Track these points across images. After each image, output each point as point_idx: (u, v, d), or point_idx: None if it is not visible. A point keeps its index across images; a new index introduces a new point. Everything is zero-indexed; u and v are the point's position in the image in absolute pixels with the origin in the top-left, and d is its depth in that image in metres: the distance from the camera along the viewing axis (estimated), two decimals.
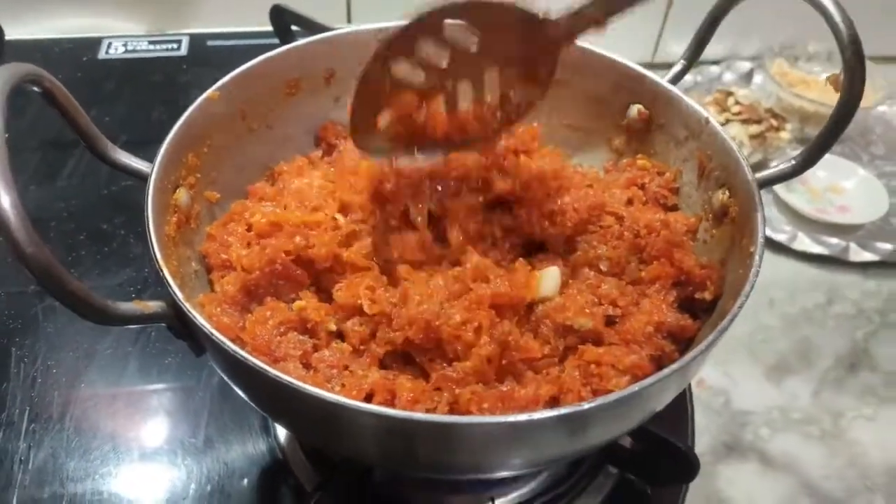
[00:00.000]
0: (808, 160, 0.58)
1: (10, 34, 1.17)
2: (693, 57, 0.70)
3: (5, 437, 0.70)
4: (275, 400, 0.50)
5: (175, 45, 1.22)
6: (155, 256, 0.51)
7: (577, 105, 0.75)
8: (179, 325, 0.50)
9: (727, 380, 0.90)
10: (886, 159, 1.20)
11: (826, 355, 0.94)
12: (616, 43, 0.73)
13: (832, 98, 1.26)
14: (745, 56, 1.38)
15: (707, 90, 1.28)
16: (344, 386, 0.52)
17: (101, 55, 1.20)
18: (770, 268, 1.04)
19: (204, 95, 0.65)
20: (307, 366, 0.55)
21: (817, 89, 1.25)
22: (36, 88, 0.51)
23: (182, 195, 0.61)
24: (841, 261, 1.04)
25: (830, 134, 0.56)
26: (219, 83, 0.66)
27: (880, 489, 0.80)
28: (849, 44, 0.52)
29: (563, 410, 0.42)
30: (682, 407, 0.74)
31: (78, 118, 0.57)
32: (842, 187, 1.14)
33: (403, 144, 0.61)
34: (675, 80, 0.70)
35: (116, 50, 1.21)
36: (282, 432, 0.71)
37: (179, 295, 0.49)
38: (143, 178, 0.57)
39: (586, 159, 0.77)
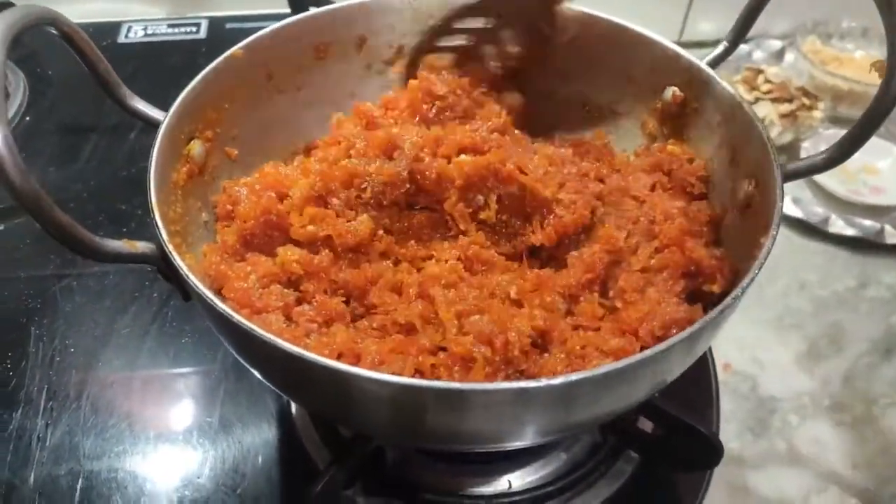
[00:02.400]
0: (841, 153, 0.54)
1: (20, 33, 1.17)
2: (737, 38, 0.67)
3: (24, 414, 0.71)
4: (249, 352, 0.50)
5: (194, 29, 1.22)
6: (150, 197, 0.52)
7: (612, 84, 0.73)
8: (167, 268, 0.50)
9: (755, 365, 0.88)
10: None
11: (859, 340, 0.91)
12: (642, 20, 0.71)
13: (867, 76, 1.22)
14: (775, 34, 1.34)
15: (736, 69, 1.24)
16: (308, 345, 0.52)
17: (121, 39, 1.20)
18: (802, 251, 1.01)
19: (228, 52, 0.65)
20: (289, 318, 0.56)
21: (851, 67, 1.21)
22: (53, 30, 0.52)
23: (196, 147, 0.62)
24: (875, 243, 1.00)
25: (867, 126, 0.52)
26: (244, 42, 0.66)
27: None
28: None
29: (571, 377, 0.41)
30: (706, 391, 0.72)
31: (97, 63, 0.57)
32: (876, 168, 1.10)
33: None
34: (715, 62, 0.66)
35: (136, 34, 1.21)
36: (296, 411, 0.70)
37: (165, 237, 0.50)
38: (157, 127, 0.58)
39: (619, 142, 0.75)
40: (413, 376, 0.50)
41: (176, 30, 1.22)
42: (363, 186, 0.61)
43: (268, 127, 0.70)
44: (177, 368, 0.76)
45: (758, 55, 1.31)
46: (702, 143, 0.66)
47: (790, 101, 1.13)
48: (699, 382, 0.72)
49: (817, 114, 1.13)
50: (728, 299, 0.46)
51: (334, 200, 0.61)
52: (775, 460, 0.79)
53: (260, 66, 0.68)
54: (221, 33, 1.21)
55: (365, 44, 0.74)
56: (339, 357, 0.52)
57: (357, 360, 0.51)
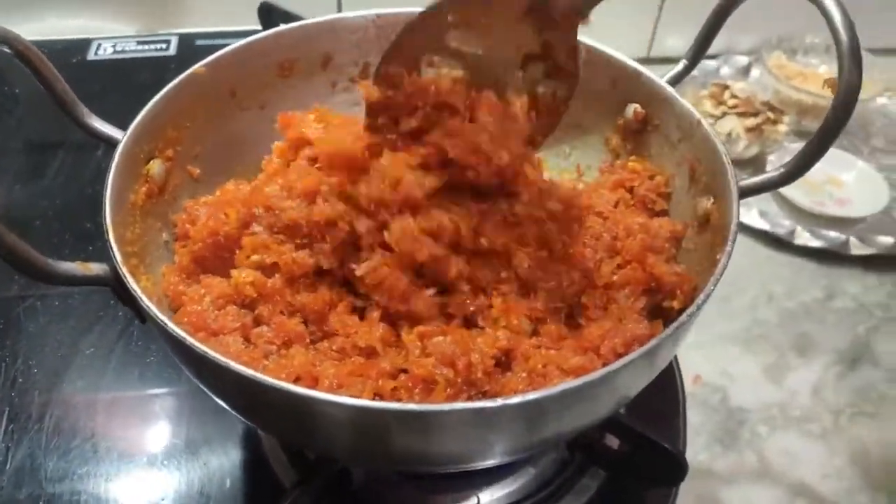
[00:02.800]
0: (798, 168, 0.55)
1: None
2: (696, 57, 0.67)
3: None
4: (204, 376, 0.50)
5: (164, 46, 1.22)
6: (104, 218, 0.52)
7: (575, 101, 0.73)
8: (122, 291, 0.50)
9: (724, 377, 0.88)
10: (886, 152, 1.18)
11: (826, 351, 0.92)
12: (611, 37, 0.72)
13: (830, 91, 1.24)
14: (742, 50, 1.37)
15: (703, 84, 1.26)
16: (266, 367, 0.52)
17: (91, 56, 1.19)
18: (768, 263, 1.02)
19: (190, 70, 0.65)
20: (247, 340, 0.55)
21: (815, 82, 1.23)
22: (7, 49, 0.52)
23: (155, 166, 0.61)
24: (841, 255, 1.02)
25: (823, 141, 0.53)
26: (207, 59, 0.66)
27: (882, 488, 0.78)
28: (847, 51, 0.49)
29: (527, 396, 0.41)
30: (673, 404, 0.72)
31: (54, 82, 0.57)
32: (841, 180, 1.12)
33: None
34: (675, 80, 0.67)
35: (105, 51, 1.20)
36: (263, 433, 0.69)
37: (119, 258, 0.49)
38: (115, 146, 0.57)
39: (583, 158, 0.76)
40: (373, 399, 0.49)
41: (146, 47, 1.21)
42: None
43: (231, 144, 0.70)
44: (142, 389, 0.75)
45: (725, 71, 1.33)
46: (663, 159, 0.67)
47: (756, 115, 1.15)
48: (666, 395, 0.72)
49: (782, 128, 1.15)
50: (684, 316, 0.47)
51: (256, 227, 0.59)
52: (745, 472, 0.80)
53: (223, 84, 0.68)
54: (192, 50, 1.20)
55: (330, 62, 0.74)
56: (297, 380, 0.51)
57: (315, 383, 0.51)
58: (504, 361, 0.53)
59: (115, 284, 0.50)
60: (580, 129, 0.74)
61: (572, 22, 0.56)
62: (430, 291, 0.55)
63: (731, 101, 1.16)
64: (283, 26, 0.72)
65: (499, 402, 0.40)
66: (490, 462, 0.53)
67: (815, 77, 1.25)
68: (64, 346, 0.77)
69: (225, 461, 0.68)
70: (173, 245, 0.63)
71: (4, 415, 0.71)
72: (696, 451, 0.80)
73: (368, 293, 0.56)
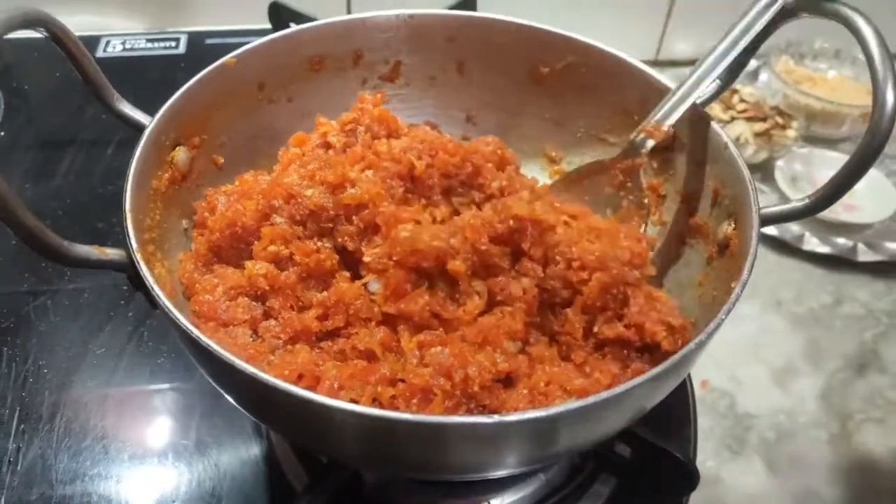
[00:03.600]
0: (823, 200, 0.54)
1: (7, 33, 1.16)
2: (730, 78, 0.66)
3: None
4: (208, 368, 0.50)
5: (173, 44, 1.22)
6: (124, 202, 0.52)
7: (604, 114, 0.73)
8: (136, 276, 0.50)
9: (732, 382, 0.88)
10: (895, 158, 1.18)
11: (834, 357, 0.92)
12: (619, 39, 0.72)
13: (839, 95, 1.24)
14: (758, 54, 1.36)
15: None
16: (270, 363, 0.52)
17: (100, 53, 1.19)
18: (777, 268, 1.02)
19: (220, 61, 0.65)
20: (255, 332, 0.56)
21: (824, 87, 1.23)
22: (43, 32, 0.52)
23: (180, 153, 0.62)
24: (849, 261, 1.02)
25: (851, 174, 0.52)
26: (238, 51, 0.67)
27: (889, 495, 0.78)
28: (882, 84, 0.48)
29: (549, 411, 0.41)
30: (684, 412, 0.72)
31: (86, 65, 0.58)
32: None
33: None
34: (707, 102, 0.66)
35: (115, 48, 1.20)
36: (274, 433, 0.69)
37: (134, 244, 0.50)
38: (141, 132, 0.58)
39: None
40: (372, 405, 0.50)
41: (155, 44, 1.21)
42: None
43: (257, 136, 0.70)
44: (152, 388, 0.75)
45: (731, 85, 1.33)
46: (688, 178, 0.67)
47: (764, 120, 1.15)
48: (677, 402, 0.72)
49: (791, 133, 1.15)
50: (692, 344, 0.46)
51: (276, 218, 0.60)
52: (753, 477, 0.80)
53: (252, 76, 0.69)
54: (201, 48, 1.20)
55: (361, 59, 0.74)
56: (299, 378, 0.51)
57: (317, 383, 0.51)
58: (505, 379, 0.53)
59: (130, 270, 0.50)
60: (605, 144, 0.74)
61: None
62: (425, 292, 0.56)
63: (741, 106, 1.16)
64: (314, 22, 0.72)
65: (513, 416, 0.41)
66: (501, 473, 0.53)
67: (824, 82, 1.25)
68: (75, 346, 0.77)
69: (235, 461, 0.68)
70: (192, 232, 0.63)
71: (15, 414, 0.71)
72: (705, 456, 0.80)
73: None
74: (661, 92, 0.67)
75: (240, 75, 0.67)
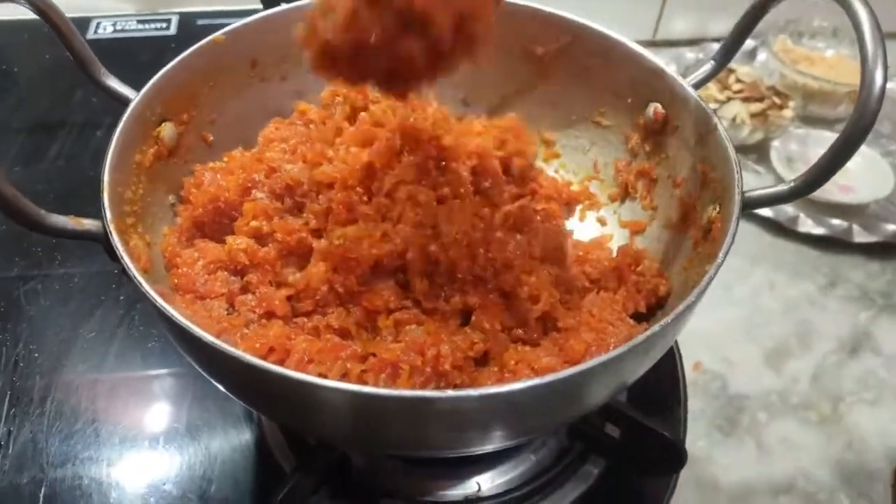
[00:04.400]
0: (806, 185, 0.53)
1: None
2: (724, 59, 0.65)
3: None
4: (176, 339, 0.50)
5: (164, 25, 1.20)
6: (102, 174, 0.53)
7: (596, 96, 0.73)
8: (111, 247, 0.50)
9: (724, 364, 0.88)
10: (892, 138, 1.17)
11: (827, 338, 0.92)
12: (616, 19, 0.71)
13: (837, 75, 1.22)
14: (753, 33, 1.34)
15: None
16: (243, 336, 0.53)
17: (90, 35, 1.18)
18: (772, 249, 1.02)
19: (210, 37, 0.65)
20: (231, 306, 0.56)
21: (822, 66, 1.22)
22: (25, 4, 0.54)
23: (167, 129, 0.62)
24: (844, 242, 1.01)
25: (838, 156, 0.50)
26: (228, 27, 0.66)
27: (879, 475, 0.78)
28: (871, 65, 0.47)
29: (535, 381, 0.41)
30: (674, 393, 0.72)
31: (72, 39, 0.59)
32: (845, 167, 1.10)
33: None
34: (701, 83, 0.65)
35: (105, 30, 1.19)
36: (264, 417, 0.69)
37: (109, 215, 0.50)
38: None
39: (602, 155, 0.76)
40: (340, 381, 0.49)
41: (146, 26, 1.20)
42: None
43: (249, 115, 0.70)
44: (143, 373, 0.75)
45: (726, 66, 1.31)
46: (679, 162, 0.66)
47: (761, 100, 1.14)
48: (667, 383, 0.72)
49: (787, 113, 1.14)
50: (656, 326, 0.45)
51: (257, 193, 0.60)
52: (744, 459, 0.80)
53: (243, 53, 0.68)
54: (192, 29, 1.19)
55: None
56: (269, 351, 0.52)
57: (286, 356, 0.51)
58: (480, 359, 0.54)
59: (105, 242, 0.51)
60: (600, 126, 0.74)
61: None
62: (390, 283, 0.56)
63: (736, 86, 1.15)
64: (295, 2, 0.71)
65: (505, 388, 0.41)
66: (486, 448, 0.53)
67: (822, 61, 1.24)
68: (65, 330, 0.77)
69: (226, 445, 0.68)
70: (178, 207, 0.63)
71: (6, 399, 0.71)
72: (696, 436, 0.80)
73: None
74: (654, 73, 0.66)
75: (231, 52, 0.67)
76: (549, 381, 0.41)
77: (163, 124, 0.62)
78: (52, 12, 0.56)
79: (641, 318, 0.61)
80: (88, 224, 0.51)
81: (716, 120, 0.60)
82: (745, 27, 0.63)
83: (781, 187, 0.54)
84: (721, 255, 0.49)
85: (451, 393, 0.41)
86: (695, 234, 0.61)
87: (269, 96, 0.72)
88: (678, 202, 0.65)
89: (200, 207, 0.61)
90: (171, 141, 0.63)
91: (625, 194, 0.73)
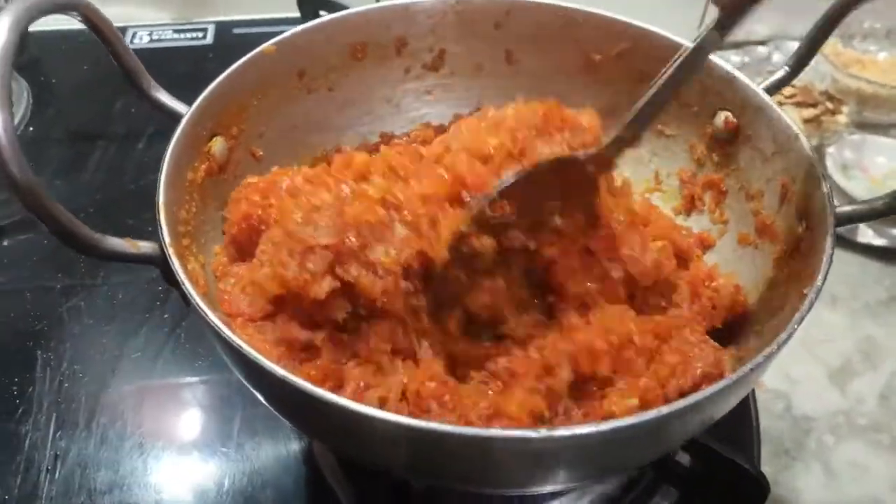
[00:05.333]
0: None
1: (33, 26, 1.14)
2: (799, 64, 0.63)
3: (31, 444, 0.68)
4: (239, 367, 0.48)
5: (201, 34, 1.19)
6: (158, 194, 0.50)
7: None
8: (168, 272, 0.48)
9: (787, 382, 0.84)
10: None
11: (893, 355, 0.87)
12: (658, 19, 0.68)
13: (891, 78, 1.18)
14: (794, 35, 1.31)
15: (756, 72, 1.21)
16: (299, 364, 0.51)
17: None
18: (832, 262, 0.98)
19: (259, 48, 0.63)
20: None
21: (875, 69, 1.17)
22: (76, 17, 0.51)
23: (218, 144, 0.60)
24: None
25: None
26: (277, 38, 0.65)
27: None
28: None
29: (607, 424, 0.38)
30: (746, 421, 0.68)
31: (121, 51, 0.57)
32: None
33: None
34: (774, 89, 0.62)
35: (141, 39, 1.18)
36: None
37: (167, 239, 0.48)
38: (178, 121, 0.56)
39: (664, 165, 0.73)
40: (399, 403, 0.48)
41: (182, 35, 1.19)
42: None
43: (296, 127, 0.69)
44: (190, 393, 0.73)
45: (776, 57, 1.28)
46: (752, 173, 0.63)
47: (814, 105, 1.10)
48: (736, 410, 0.69)
49: (842, 118, 1.10)
50: (760, 357, 0.43)
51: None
52: (813, 483, 0.76)
53: (291, 64, 0.67)
54: (229, 38, 1.18)
55: (405, 46, 0.71)
56: (324, 380, 0.50)
57: (340, 384, 0.50)
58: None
59: (162, 265, 0.49)
60: (663, 136, 0.71)
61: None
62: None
63: (788, 91, 1.11)
64: (356, 8, 0.69)
65: (562, 431, 0.38)
66: (550, 488, 0.50)
67: (874, 64, 1.19)
68: (110, 349, 0.76)
69: (277, 468, 0.66)
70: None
71: (52, 421, 0.69)
72: (763, 461, 0.77)
73: None
74: (723, 79, 0.63)
75: (279, 63, 0.65)
76: (632, 423, 0.39)
77: (214, 139, 0.60)
78: (101, 23, 0.55)
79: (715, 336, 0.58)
80: (144, 247, 0.49)
81: (797, 129, 0.57)
82: (824, 30, 0.60)
83: (874, 203, 0.52)
84: (820, 277, 0.47)
85: (512, 432, 0.39)
86: (778, 250, 0.58)
87: (317, 108, 0.70)
88: (753, 216, 0.62)
89: (235, 225, 0.59)
90: (222, 156, 0.61)
91: (690, 207, 0.70)
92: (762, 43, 1.29)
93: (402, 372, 0.50)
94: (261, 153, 0.66)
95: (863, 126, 1.14)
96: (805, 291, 0.47)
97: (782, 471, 0.77)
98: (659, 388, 0.51)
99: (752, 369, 0.42)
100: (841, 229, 0.95)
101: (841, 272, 0.97)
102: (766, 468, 0.76)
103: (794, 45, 1.25)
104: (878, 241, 0.98)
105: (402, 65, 0.72)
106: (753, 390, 0.71)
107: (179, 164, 0.55)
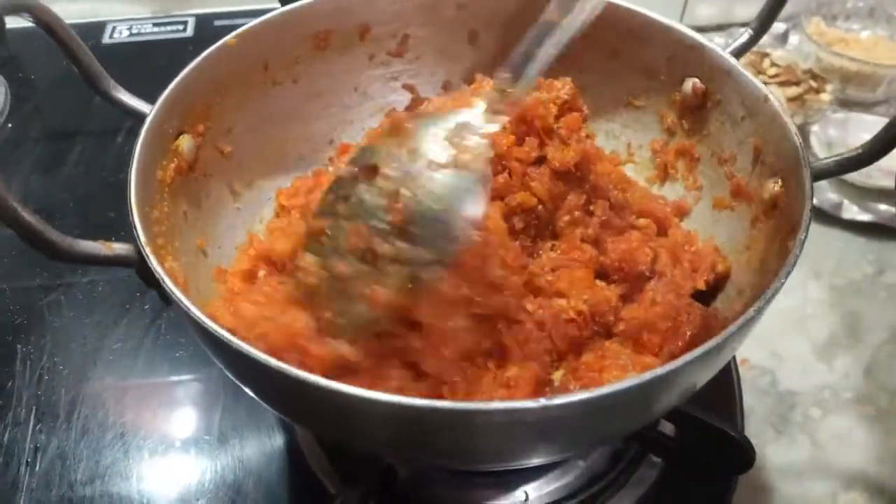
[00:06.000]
0: (874, 151, 0.50)
1: (11, 22, 1.13)
2: (763, 26, 0.64)
3: (11, 437, 0.67)
4: (228, 363, 0.47)
5: (181, 27, 1.18)
6: (129, 195, 0.49)
7: (628, 77, 0.70)
8: (145, 271, 0.47)
9: (773, 358, 0.84)
10: None
11: (878, 329, 0.87)
12: (641, 3, 0.68)
13: (874, 56, 1.18)
14: (779, 16, 1.30)
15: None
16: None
17: (106, 39, 1.16)
18: (815, 238, 0.97)
19: (221, 42, 0.62)
20: None
21: (858, 47, 1.17)
22: (29, 19, 0.50)
23: (185, 142, 0.59)
24: (891, 228, 0.97)
25: None
26: (238, 30, 0.63)
27: None
28: None
29: (589, 393, 0.38)
30: (728, 390, 0.68)
31: (79, 53, 0.55)
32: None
33: None
34: (739, 52, 0.63)
35: (121, 33, 1.17)
36: (299, 428, 0.67)
37: (143, 239, 0.47)
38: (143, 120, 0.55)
39: (635, 137, 0.72)
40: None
41: (162, 28, 1.18)
42: None
43: (264, 121, 0.67)
44: (172, 382, 0.72)
45: (762, 38, 1.27)
46: (723, 138, 0.63)
47: (797, 84, 1.10)
48: (719, 378, 0.69)
49: (825, 96, 1.10)
50: (751, 311, 0.43)
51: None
52: (798, 457, 0.76)
53: (254, 57, 0.65)
54: (209, 31, 1.17)
55: (368, 33, 0.70)
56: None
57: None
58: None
59: (139, 266, 0.48)
60: (632, 107, 0.70)
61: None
62: None
63: (772, 70, 1.11)
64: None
65: (552, 399, 0.37)
66: (537, 461, 0.50)
67: (858, 42, 1.19)
68: (90, 341, 0.75)
69: (260, 456, 0.66)
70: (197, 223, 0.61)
71: (32, 414, 0.69)
72: (748, 435, 0.76)
73: None
74: (690, 47, 0.63)
75: (242, 56, 0.64)
76: (632, 385, 0.38)
77: (181, 137, 0.59)
78: (56, 26, 0.53)
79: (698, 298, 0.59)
80: (119, 249, 0.48)
81: (766, 91, 0.57)
82: None
83: (847, 155, 0.52)
84: (802, 230, 0.47)
85: (498, 404, 0.38)
86: (755, 210, 0.58)
87: (284, 101, 0.69)
88: (727, 179, 0.63)
89: (249, 264, 0.59)
90: (190, 154, 0.60)
91: (664, 176, 0.70)
92: (745, 25, 1.28)
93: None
94: (229, 150, 0.65)
95: (846, 104, 1.14)
96: (789, 245, 0.47)
97: (769, 444, 0.77)
98: (653, 358, 0.51)
99: (741, 326, 0.42)
100: (826, 206, 0.98)
101: (826, 248, 0.97)
102: (753, 442, 0.76)
103: (779, 25, 1.28)
104: (863, 217, 0.98)
105: (367, 52, 0.71)
106: (736, 363, 0.71)
107: (148, 164, 0.54)
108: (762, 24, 0.62)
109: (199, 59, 0.60)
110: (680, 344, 0.52)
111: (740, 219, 0.60)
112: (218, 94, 0.63)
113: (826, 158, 0.53)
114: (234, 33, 0.63)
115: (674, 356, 0.49)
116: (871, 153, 0.50)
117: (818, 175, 0.52)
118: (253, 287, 0.57)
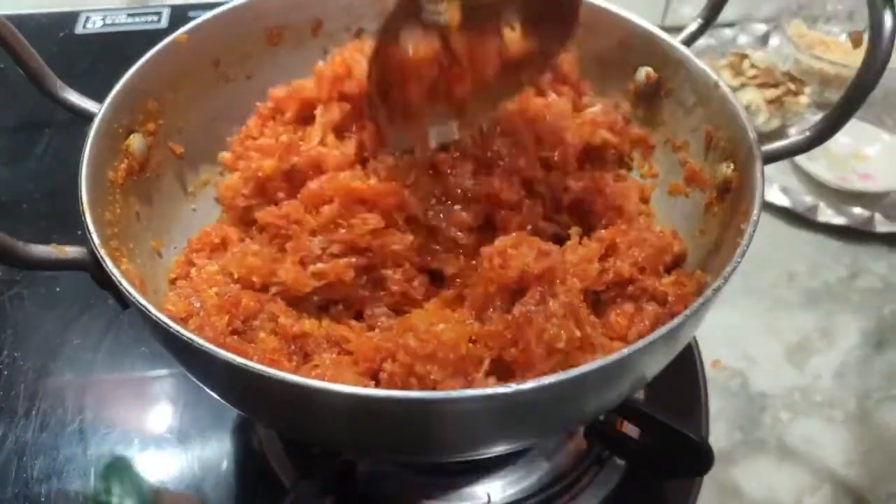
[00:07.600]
0: (823, 132, 0.51)
1: None
2: (711, 16, 0.63)
3: None
4: (189, 364, 0.47)
5: (155, 18, 1.17)
6: (80, 197, 0.48)
7: (582, 67, 0.68)
8: (100, 274, 0.46)
9: (744, 360, 0.84)
10: None
11: (850, 333, 0.88)
12: (623, 4, 0.67)
13: (854, 59, 1.18)
14: (760, 17, 1.31)
15: (721, 53, 1.21)
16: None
17: (79, 30, 1.14)
18: (790, 241, 0.98)
19: (170, 38, 0.61)
20: None
21: (837, 51, 1.18)
22: None
23: (136, 141, 0.58)
24: (865, 232, 0.97)
25: (850, 103, 0.49)
26: (188, 26, 0.62)
27: None
28: (880, 8, 0.45)
29: (540, 381, 0.38)
30: (694, 391, 0.68)
31: (23, 52, 0.54)
32: (865, 154, 1.06)
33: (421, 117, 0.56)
34: (689, 41, 0.63)
35: (94, 24, 1.16)
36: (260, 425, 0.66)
37: (97, 241, 0.46)
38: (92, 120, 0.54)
39: None
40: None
41: (136, 19, 1.17)
42: None
43: (216, 119, 0.66)
44: (133, 380, 0.71)
45: (742, 39, 1.27)
46: (677, 126, 0.64)
47: (776, 86, 1.10)
48: (686, 381, 0.69)
49: (804, 99, 1.10)
50: (708, 291, 0.43)
51: None
52: (767, 459, 0.76)
53: (206, 53, 0.64)
54: (184, 22, 1.13)
55: (321, 27, 0.69)
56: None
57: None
58: None
59: (94, 269, 0.47)
60: (587, 97, 0.70)
61: None
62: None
63: (751, 72, 1.11)
64: None
65: (512, 387, 0.37)
66: (495, 451, 0.49)
67: (837, 46, 1.19)
68: (51, 336, 0.74)
69: (220, 454, 0.65)
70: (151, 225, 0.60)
71: None
72: (717, 437, 0.76)
73: None
74: (641, 36, 0.64)
75: (192, 53, 0.62)
76: (585, 371, 0.38)
77: (131, 136, 0.58)
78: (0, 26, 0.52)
79: None
80: (73, 252, 0.47)
81: (715, 77, 0.58)
82: None
83: (796, 138, 0.53)
84: (755, 212, 0.48)
85: (443, 394, 0.38)
86: (708, 195, 0.59)
87: (236, 97, 0.67)
88: (681, 166, 0.63)
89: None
90: (142, 154, 0.58)
91: (620, 165, 0.70)
92: (729, 25, 1.29)
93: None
94: (181, 150, 0.64)
95: (824, 107, 1.13)
96: (742, 227, 0.47)
97: (738, 447, 0.77)
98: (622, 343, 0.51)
99: (702, 303, 0.42)
100: (800, 208, 0.98)
101: (800, 251, 0.97)
102: (723, 444, 0.76)
103: (760, 27, 1.28)
104: (838, 220, 0.98)
105: (320, 46, 0.70)
106: (703, 367, 0.71)
107: (99, 165, 0.53)
108: (711, 12, 0.63)
109: (147, 55, 0.59)
110: (646, 322, 0.52)
111: (696, 204, 0.60)
112: (169, 91, 0.61)
113: (776, 142, 0.53)
114: (183, 29, 0.61)
115: (641, 335, 0.49)
116: (821, 134, 0.51)
117: (770, 157, 0.52)
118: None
